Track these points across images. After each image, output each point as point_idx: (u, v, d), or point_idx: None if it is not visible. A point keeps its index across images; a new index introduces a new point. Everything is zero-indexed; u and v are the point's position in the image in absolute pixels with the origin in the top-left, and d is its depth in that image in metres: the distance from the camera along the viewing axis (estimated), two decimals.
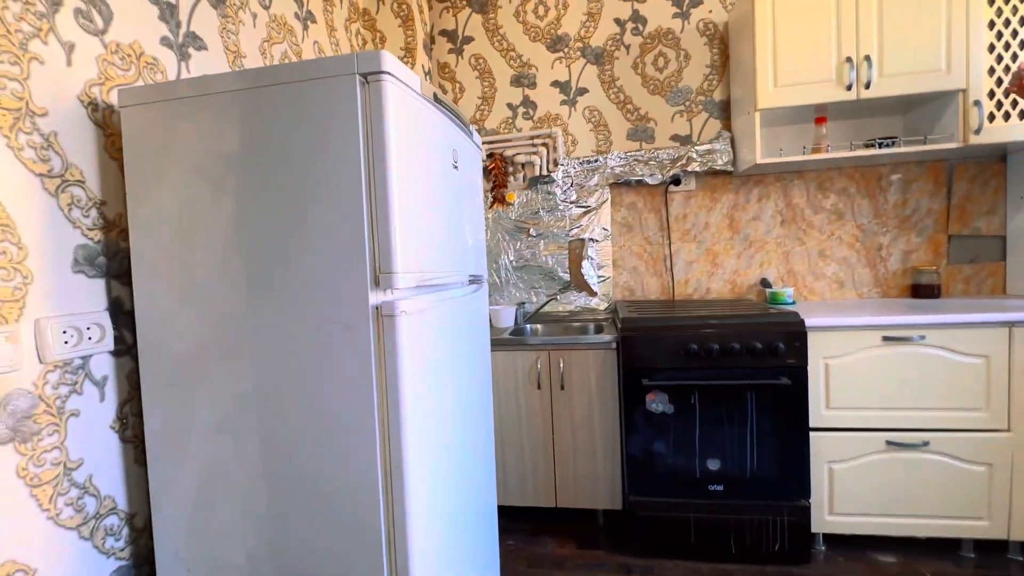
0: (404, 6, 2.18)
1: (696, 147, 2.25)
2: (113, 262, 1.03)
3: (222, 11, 1.37)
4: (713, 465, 1.73)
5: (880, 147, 1.93)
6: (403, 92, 0.93)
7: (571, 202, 2.40)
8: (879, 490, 1.69)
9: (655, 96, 2.34)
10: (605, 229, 2.39)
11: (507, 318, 2.29)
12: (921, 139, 1.92)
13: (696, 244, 2.33)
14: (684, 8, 2.29)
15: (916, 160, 2.11)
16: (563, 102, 2.42)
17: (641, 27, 2.33)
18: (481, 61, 2.47)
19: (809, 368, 1.68)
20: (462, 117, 1.28)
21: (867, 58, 1.84)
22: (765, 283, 2.26)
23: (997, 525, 1.64)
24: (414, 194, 0.96)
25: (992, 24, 1.78)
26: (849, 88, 1.86)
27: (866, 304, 2.03)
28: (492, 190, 2.44)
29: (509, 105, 2.46)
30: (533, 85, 2.44)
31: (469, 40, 2.48)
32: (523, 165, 2.44)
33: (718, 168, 2.23)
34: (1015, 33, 1.76)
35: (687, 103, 2.32)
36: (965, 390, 1.63)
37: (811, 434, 1.70)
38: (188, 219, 0.95)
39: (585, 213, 2.40)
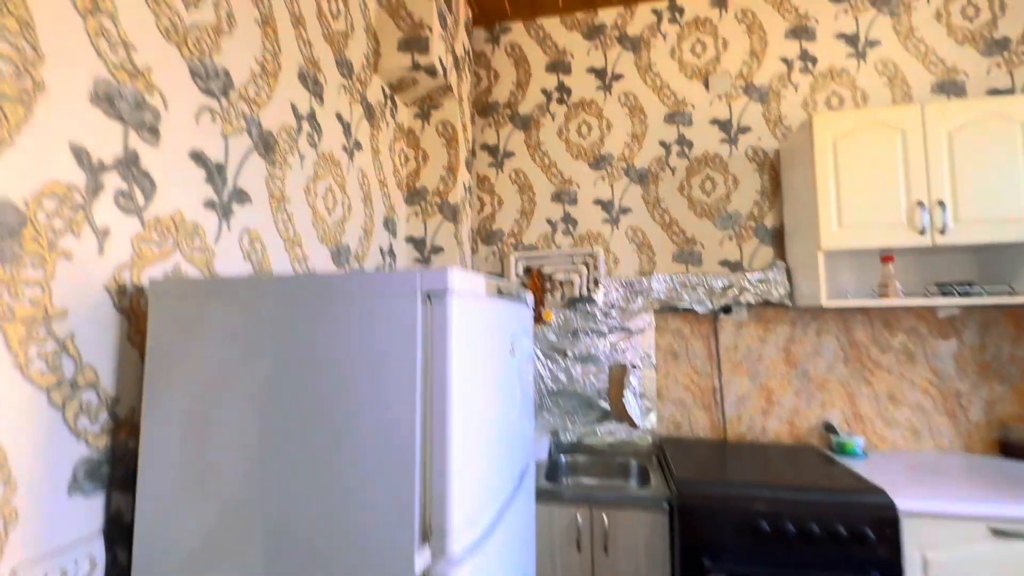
0: (449, 127, 2.17)
1: (748, 275, 2.12)
2: (117, 468, 0.88)
3: (271, 159, 1.32)
4: None
5: (959, 295, 1.77)
6: (467, 303, 0.81)
7: (612, 325, 2.26)
8: None
9: (702, 219, 2.25)
10: (648, 355, 2.22)
11: (541, 449, 2.08)
12: (1007, 289, 1.76)
13: (749, 377, 2.14)
14: (732, 134, 2.25)
15: (996, 305, 1.94)
16: (605, 220, 2.34)
17: (687, 150, 2.29)
18: (521, 175, 2.44)
19: (906, 563, 1.43)
20: (522, 297, 1.17)
21: (940, 203, 1.73)
22: (829, 427, 2.04)
23: None
24: (473, 423, 0.82)
25: None
26: (923, 233, 1.73)
27: (950, 462, 1.79)
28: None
29: (549, 220, 2.40)
30: (574, 202, 2.38)
31: (510, 155, 2.46)
32: (562, 283, 2.33)
33: (774, 301, 2.08)
34: None
35: (737, 228, 2.22)
36: None
37: None
38: (210, 424, 0.81)
39: (627, 337, 2.25)
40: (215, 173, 1.12)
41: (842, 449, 1.93)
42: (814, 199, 1.83)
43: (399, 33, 1.92)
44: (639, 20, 2.37)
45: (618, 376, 2.25)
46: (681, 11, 2.34)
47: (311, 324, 0.78)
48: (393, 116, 2.08)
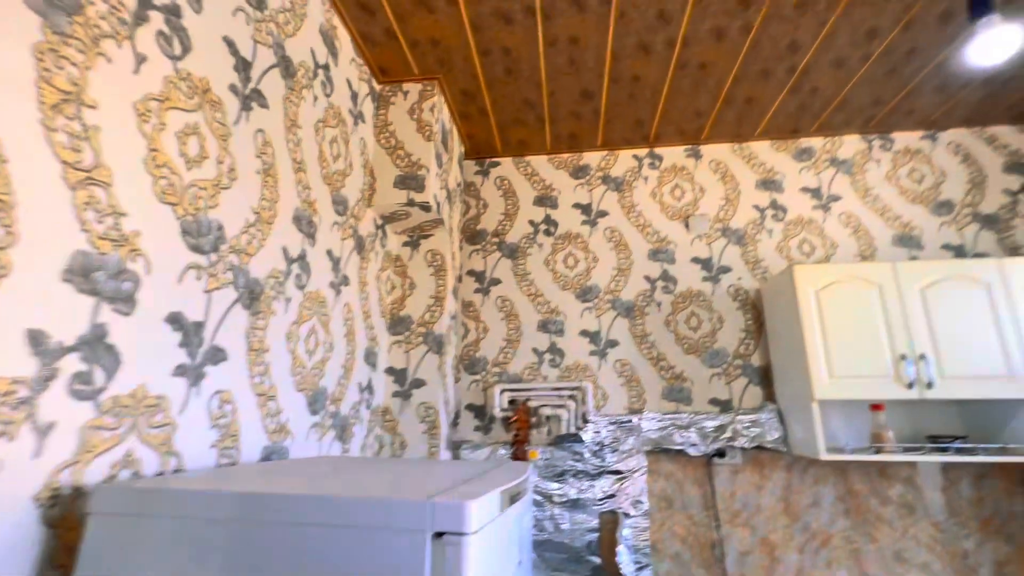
0: (438, 256, 2.16)
1: (739, 416, 2.07)
2: None
3: (255, 309, 1.22)
4: None
5: (951, 451, 1.75)
6: (484, 538, 0.69)
7: (602, 466, 2.12)
8: None
9: (690, 356, 2.24)
10: (640, 501, 2.07)
11: None
12: (999, 447, 1.75)
13: (749, 530, 2.00)
14: (713, 273, 2.32)
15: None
16: (592, 352, 2.30)
17: (671, 286, 2.33)
18: (508, 303, 2.41)
19: None
20: (527, 484, 1.06)
21: (923, 357, 1.76)
22: None
23: None
24: None
25: None
26: (910, 387, 1.74)
27: None
28: (513, 444, 2.16)
29: (535, 350, 2.33)
30: (561, 332, 2.34)
31: (497, 282, 2.45)
32: (548, 418, 2.21)
33: (768, 446, 2.01)
34: None
35: (724, 366, 2.20)
36: None
37: None
38: None
39: (618, 480, 2.10)
40: (191, 333, 1.01)
41: None
42: (802, 348, 1.84)
43: (396, 171, 1.96)
44: (621, 164, 2.53)
45: (610, 527, 2.06)
46: (660, 159, 2.52)
47: (285, 556, 0.64)
48: (383, 245, 2.06)
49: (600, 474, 2.11)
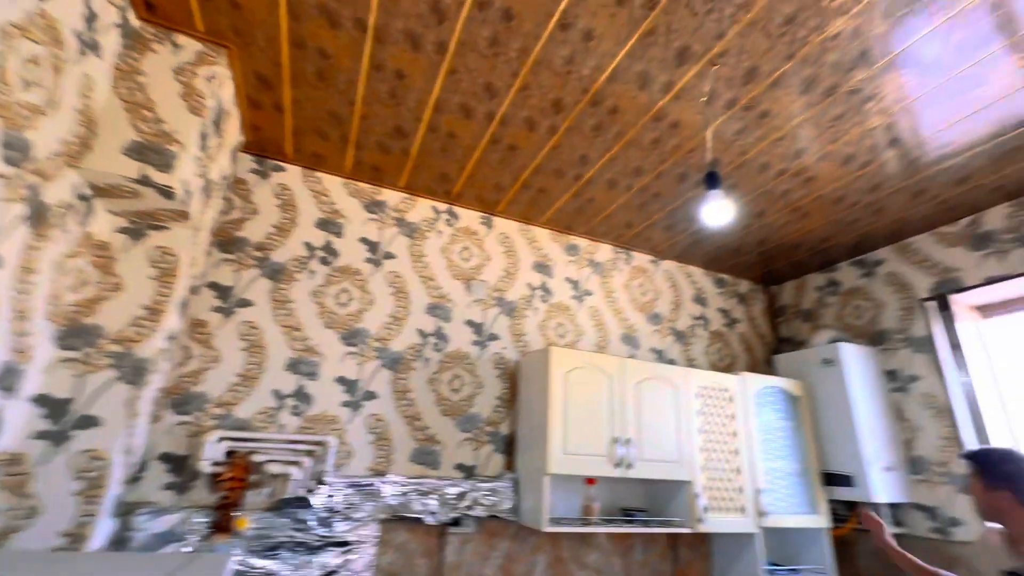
0: (170, 257, 1.66)
1: (479, 483, 2.10)
2: None
3: None
4: None
5: (636, 523, 2.09)
6: None
7: (327, 537, 1.85)
8: None
9: (446, 417, 2.21)
10: None
11: None
12: (665, 520, 2.16)
13: None
14: (483, 337, 2.40)
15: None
16: (346, 403, 2.06)
17: (442, 344, 2.31)
18: (255, 332, 2.01)
19: None
20: None
21: (628, 440, 2.10)
22: None
23: None
24: None
25: (700, 431, 2.30)
26: (617, 466, 2.04)
27: None
28: (217, 510, 1.71)
29: (276, 393, 1.97)
30: (314, 375, 2.05)
31: (246, 304, 2.03)
32: (274, 477, 1.85)
33: (500, 515, 2.07)
34: (712, 445, 2.30)
35: (475, 431, 2.24)
36: None
37: None
38: None
39: (344, 553, 1.85)
40: None
41: None
42: (546, 424, 2.00)
43: (133, 134, 1.48)
44: (420, 211, 2.48)
45: None
46: (457, 218, 2.56)
47: None
48: (83, 224, 1.48)
49: (324, 547, 1.83)
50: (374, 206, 2.39)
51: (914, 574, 1.63)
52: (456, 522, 2.03)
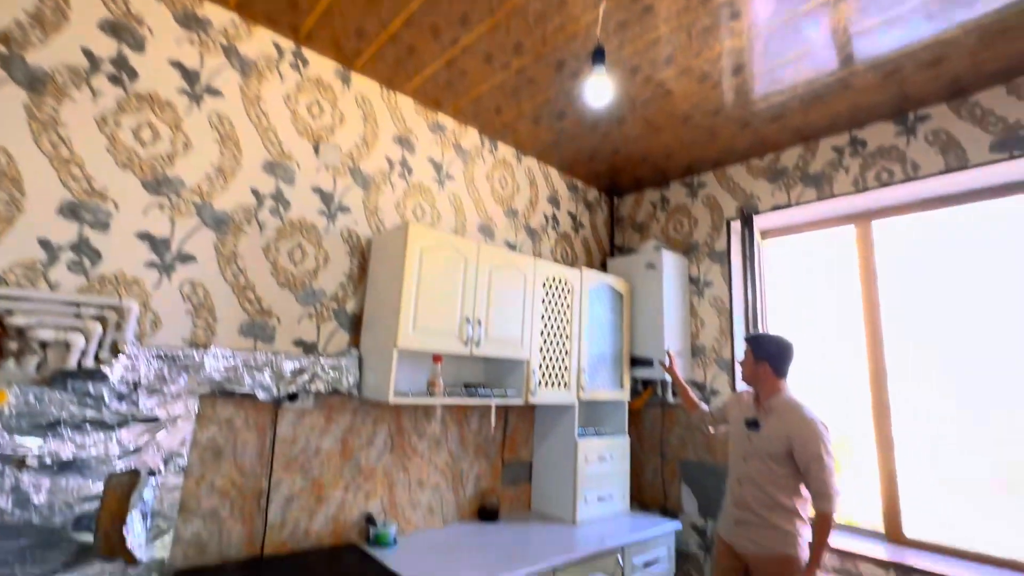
0: None
1: (323, 359, 1.99)
2: None
3: None
4: None
5: (480, 396, 2.24)
6: None
7: (131, 413, 1.58)
8: None
9: (284, 290, 1.99)
10: (178, 455, 1.66)
11: None
12: (503, 392, 2.35)
13: (302, 475, 1.94)
14: (332, 210, 2.16)
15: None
16: (152, 264, 1.70)
17: (283, 209, 2.02)
18: (8, 162, 1.47)
19: None
20: None
21: (478, 321, 2.17)
22: (370, 520, 2.07)
23: None
24: None
25: (542, 316, 2.49)
26: (466, 344, 2.12)
27: (454, 532, 2.15)
28: None
29: (44, 243, 1.52)
30: (104, 226, 1.62)
31: None
32: (45, 345, 1.48)
33: (343, 390, 2.01)
34: (550, 330, 2.52)
35: (319, 306, 2.08)
36: None
37: None
38: None
39: (151, 431, 1.62)
40: None
41: (379, 540, 1.98)
42: (398, 300, 1.94)
43: None
44: (256, 43, 2.02)
45: (121, 490, 1.56)
46: (306, 63, 2.15)
47: None
48: None
49: (124, 423, 1.57)
50: (192, 21, 1.86)
51: (683, 398, 2.42)
52: (292, 397, 1.92)
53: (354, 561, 1.81)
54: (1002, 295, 2.24)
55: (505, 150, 2.94)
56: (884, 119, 2.45)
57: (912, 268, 2.50)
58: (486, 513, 2.44)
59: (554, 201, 3.20)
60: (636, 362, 2.92)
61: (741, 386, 2.74)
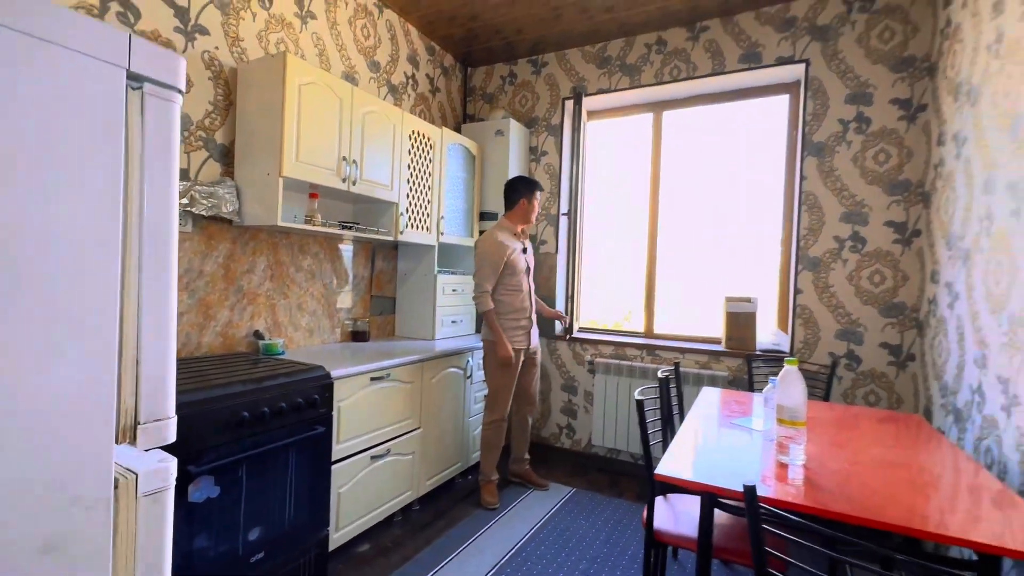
0: None
1: (198, 187, 2.03)
2: None
3: None
4: (255, 534, 1.68)
5: (355, 230, 2.53)
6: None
7: None
8: (364, 496, 2.20)
9: None
10: None
11: None
12: (376, 230, 2.66)
13: (188, 293, 2.07)
14: (188, 28, 2.04)
15: (361, 240, 2.88)
16: None
17: (132, 18, 1.86)
18: None
19: (333, 413, 1.98)
20: None
21: (355, 161, 2.40)
22: (258, 335, 2.32)
23: (414, 492, 2.54)
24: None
25: (408, 166, 2.79)
26: (344, 181, 2.35)
27: (333, 349, 2.55)
28: None
29: None
30: None
31: None
32: None
33: (223, 215, 2.11)
34: (415, 179, 2.85)
35: (186, 135, 2.05)
36: (405, 406, 2.44)
37: (332, 468, 1.99)
38: None
39: None
40: None
41: (269, 350, 2.27)
42: (280, 131, 2.05)
43: None
44: None
45: None
46: None
47: None
48: None
49: None
50: None
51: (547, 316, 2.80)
52: None
53: (252, 361, 2.09)
54: (740, 173, 3.29)
55: None
56: (681, 25, 3.14)
57: (686, 149, 3.42)
58: (358, 335, 2.86)
59: (413, 61, 3.32)
60: (484, 215, 3.46)
61: (563, 237, 3.52)
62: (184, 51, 2.02)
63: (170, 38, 1.98)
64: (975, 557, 1.05)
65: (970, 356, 1.93)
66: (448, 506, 2.71)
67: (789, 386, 1.39)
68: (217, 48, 2.15)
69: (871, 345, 2.68)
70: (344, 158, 2.34)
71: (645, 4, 2.93)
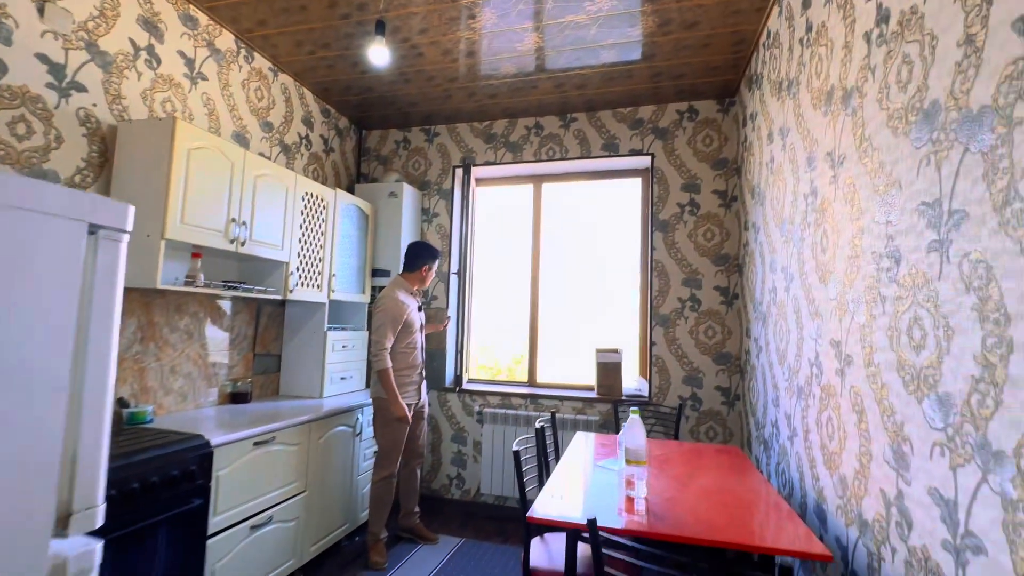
0: None
1: None
2: None
3: None
4: None
5: (241, 290, 2.50)
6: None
7: None
8: (242, 571, 2.10)
9: (5, 167, 1.80)
10: None
11: None
12: (264, 289, 2.65)
13: None
14: (62, 84, 1.98)
15: (245, 299, 2.82)
16: None
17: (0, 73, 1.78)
18: None
19: (212, 484, 1.91)
20: None
21: (244, 223, 2.41)
22: (122, 403, 2.16)
23: (298, 560, 2.45)
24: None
25: (301, 225, 2.85)
26: (232, 242, 2.35)
27: (208, 414, 2.44)
28: None
29: None
30: None
31: None
32: None
33: None
34: (307, 238, 2.91)
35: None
36: (290, 469, 2.40)
37: (208, 542, 1.90)
38: None
39: None
40: None
41: (135, 419, 2.13)
42: (165, 194, 2.03)
43: None
44: None
45: None
46: None
47: None
48: None
49: None
50: None
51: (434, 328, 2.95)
52: None
53: (113, 433, 1.95)
54: (606, 240, 3.81)
55: (261, 61, 3.00)
56: (554, 114, 3.67)
57: (563, 218, 3.89)
58: (238, 397, 2.75)
59: (308, 123, 3.43)
60: (376, 272, 3.57)
61: (454, 294, 3.74)
62: (56, 107, 1.95)
63: (40, 93, 1.90)
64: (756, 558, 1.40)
65: (770, 397, 2.47)
66: (334, 572, 2.64)
67: (633, 432, 1.70)
68: (95, 105, 2.09)
69: (708, 388, 3.23)
70: (234, 219, 2.35)
71: (524, 95, 3.40)
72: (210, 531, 1.92)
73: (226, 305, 2.75)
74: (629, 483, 1.69)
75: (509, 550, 2.93)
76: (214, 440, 1.93)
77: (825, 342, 1.75)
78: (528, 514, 1.51)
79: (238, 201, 2.38)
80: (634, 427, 1.72)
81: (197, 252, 2.34)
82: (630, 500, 1.67)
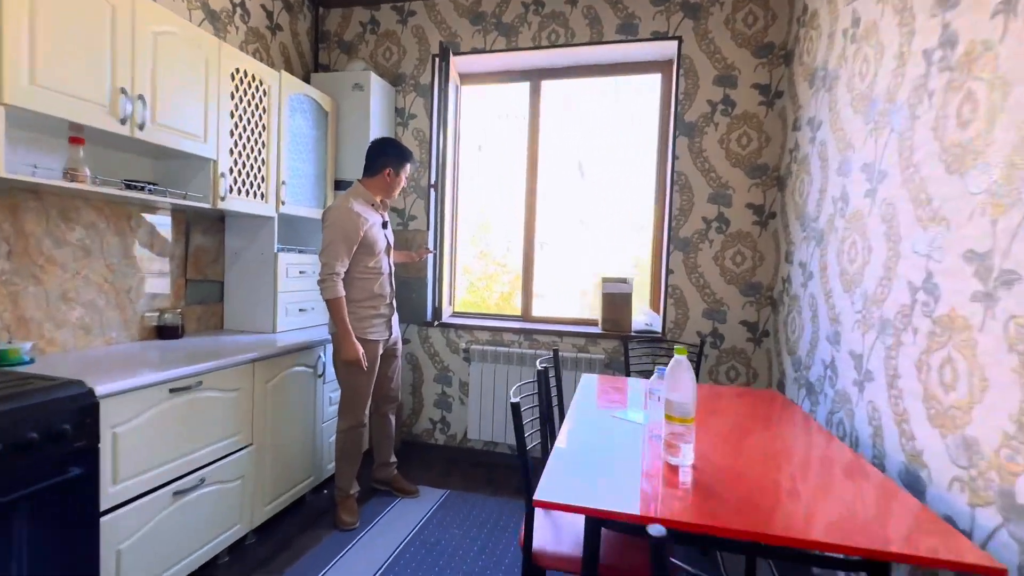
0: None
1: None
2: None
3: None
4: None
5: (147, 192, 1.89)
6: None
7: None
8: (165, 547, 1.66)
9: None
10: None
11: None
12: (182, 193, 2.04)
13: None
14: None
15: (166, 208, 2.21)
16: None
17: None
18: None
19: (101, 445, 1.41)
20: None
21: (141, 97, 1.76)
22: None
23: (247, 523, 2.03)
24: None
25: (232, 114, 2.19)
26: (124, 122, 1.71)
27: (124, 350, 1.91)
28: None
29: None
30: None
31: None
32: None
33: None
34: (242, 132, 2.26)
35: None
36: (229, 420, 1.91)
37: (101, 520, 1.43)
38: None
39: None
40: None
41: (5, 358, 1.59)
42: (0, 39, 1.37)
43: None
44: None
45: None
46: None
47: None
48: None
49: None
50: None
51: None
52: None
53: None
54: (615, 151, 3.19)
55: None
56: None
57: (564, 124, 3.24)
58: (166, 331, 2.22)
59: None
60: (341, 184, 2.94)
61: (432, 210, 3.15)
62: None
63: None
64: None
65: (823, 332, 2.00)
66: (295, 532, 2.24)
67: (679, 379, 1.22)
68: None
69: (733, 323, 2.78)
70: (123, 90, 1.69)
71: None
72: (105, 506, 1.44)
73: (145, 217, 2.14)
74: (671, 447, 1.23)
75: (500, 503, 2.57)
76: (100, 388, 1.41)
77: (951, 256, 1.24)
78: (535, 497, 1.04)
79: (128, 65, 1.71)
80: (679, 371, 1.23)
81: (77, 136, 1.70)
82: (671, 469, 1.22)
